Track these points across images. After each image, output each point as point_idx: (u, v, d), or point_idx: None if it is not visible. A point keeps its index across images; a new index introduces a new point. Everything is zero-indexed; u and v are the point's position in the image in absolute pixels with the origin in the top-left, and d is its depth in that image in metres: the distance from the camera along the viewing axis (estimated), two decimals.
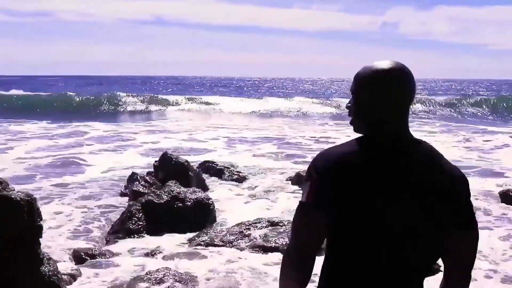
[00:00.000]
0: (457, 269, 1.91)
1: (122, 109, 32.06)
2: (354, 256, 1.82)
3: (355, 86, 1.91)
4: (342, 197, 1.77)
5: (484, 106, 34.18)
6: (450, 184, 1.82)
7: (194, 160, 12.49)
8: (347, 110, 1.94)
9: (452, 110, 33.44)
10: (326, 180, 1.79)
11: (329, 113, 31.12)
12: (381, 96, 1.84)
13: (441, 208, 1.78)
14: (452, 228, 1.82)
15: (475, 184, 10.41)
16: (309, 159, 12.65)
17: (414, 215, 1.77)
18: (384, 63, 1.87)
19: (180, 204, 7.72)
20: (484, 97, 40.66)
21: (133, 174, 9.79)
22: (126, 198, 9.04)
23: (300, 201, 1.88)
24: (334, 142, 15.27)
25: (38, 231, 4.74)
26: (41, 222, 4.80)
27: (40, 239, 4.81)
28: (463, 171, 1.94)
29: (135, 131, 20.83)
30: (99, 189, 10.12)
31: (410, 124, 1.92)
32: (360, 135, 1.91)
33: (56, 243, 6.96)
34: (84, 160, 13.47)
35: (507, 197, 9.44)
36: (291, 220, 1.97)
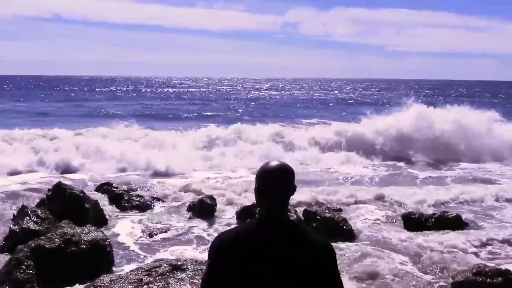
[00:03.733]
0: None
1: None
2: None
3: (255, 178, 2.42)
4: (226, 273, 2.29)
5: None
6: (315, 256, 2.31)
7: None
8: None
9: None
10: (216, 260, 2.33)
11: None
12: (265, 190, 2.35)
13: (312, 280, 2.27)
14: None
15: None
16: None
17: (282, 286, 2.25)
18: (271, 165, 2.38)
19: (74, 248, 7.21)
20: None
21: (23, 207, 9.08)
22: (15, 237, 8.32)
23: (203, 275, 2.41)
24: None
25: None
26: None
27: None
28: None
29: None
30: None
31: None
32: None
33: None
34: None
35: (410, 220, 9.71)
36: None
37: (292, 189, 2.41)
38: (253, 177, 2.46)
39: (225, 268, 2.31)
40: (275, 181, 2.36)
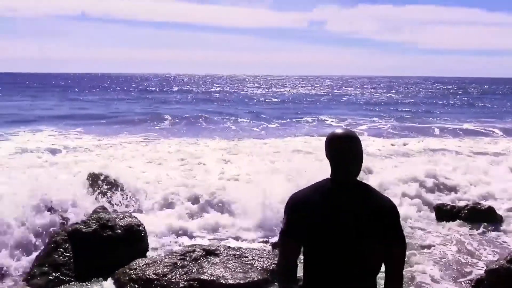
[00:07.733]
0: (392, 271, 2.63)
1: None
2: (321, 263, 2.60)
3: (324, 145, 2.72)
4: (306, 226, 2.56)
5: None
6: (380, 213, 2.55)
7: None
8: None
9: None
10: (294, 215, 2.62)
11: None
12: (333, 155, 2.65)
13: (374, 230, 2.51)
14: (386, 243, 2.55)
15: None
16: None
17: (354, 236, 2.51)
18: (337, 133, 2.69)
19: (110, 232, 7.32)
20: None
21: None
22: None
23: (280, 229, 2.69)
24: None
25: None
26: None
27: None
28: None
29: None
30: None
31: None
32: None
33: None
34: None
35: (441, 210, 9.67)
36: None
37: (358, 154, 2.65)
38: None
39: (300, 219, 2.59)
40: (341, 147, 2.63)
